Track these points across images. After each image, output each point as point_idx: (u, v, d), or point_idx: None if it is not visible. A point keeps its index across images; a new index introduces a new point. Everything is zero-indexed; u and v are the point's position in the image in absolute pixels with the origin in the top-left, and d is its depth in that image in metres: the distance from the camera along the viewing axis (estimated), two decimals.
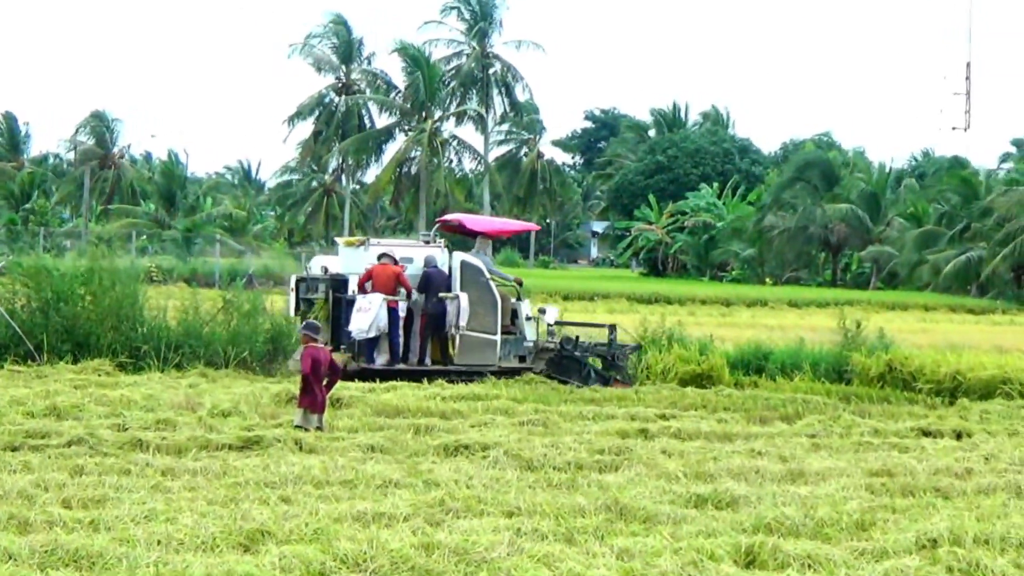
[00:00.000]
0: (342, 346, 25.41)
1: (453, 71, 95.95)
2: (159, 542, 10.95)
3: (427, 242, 27.11)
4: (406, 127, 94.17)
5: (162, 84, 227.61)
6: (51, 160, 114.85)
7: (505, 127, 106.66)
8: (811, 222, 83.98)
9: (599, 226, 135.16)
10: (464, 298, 25.42)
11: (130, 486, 13.49)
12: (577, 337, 27.21)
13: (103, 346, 25.65)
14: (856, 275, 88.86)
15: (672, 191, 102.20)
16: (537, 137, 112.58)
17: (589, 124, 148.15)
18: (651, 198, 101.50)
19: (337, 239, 31.21)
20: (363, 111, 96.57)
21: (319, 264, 27.28)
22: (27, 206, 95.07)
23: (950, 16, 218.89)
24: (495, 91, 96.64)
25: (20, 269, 27.39)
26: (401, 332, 25.59)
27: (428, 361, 25.78)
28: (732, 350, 29.50)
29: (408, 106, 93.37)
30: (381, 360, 25.38)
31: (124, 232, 77.08)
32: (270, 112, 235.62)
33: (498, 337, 25.87)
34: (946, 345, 31.44)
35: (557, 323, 28.01)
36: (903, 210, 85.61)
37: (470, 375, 25.06)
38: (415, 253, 26.34)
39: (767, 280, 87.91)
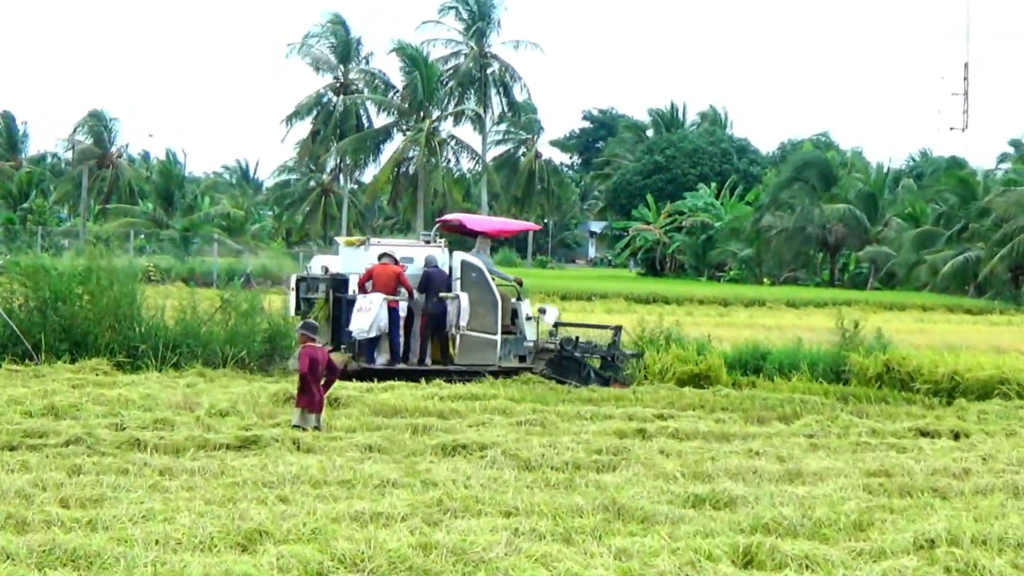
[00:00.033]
0: (342, 346, 25.41)
1: (451, 71, 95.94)
2: (157, 542, 10.94)
3: (427, 242, 27.12)
4: (404, 127, 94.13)
5: (160, 83, 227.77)
6: (49, 159, 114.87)
7: (503, 127, 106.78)
8: (809, 222, 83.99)
9: (597, 226, 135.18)
10: (464, 298, 25.41)
11: (128, 486, 13.49)
12: (577, 337, 27.21)
13: (101, 345, 25.64)
14: (854, 275, 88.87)
15: (670, 191, 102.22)
16: (535, 137, 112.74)
17: (587, 124, 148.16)
18: (649, 198, 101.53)
19: (337, 239, 31.21)
20: (361, 111, 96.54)
21: (319, 264, 27.26)
22: (25, 205, 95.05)
23: (948, 16, 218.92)
24: (493, 91, 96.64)
25: (18, 268, 27.38)
26: (402, 332, 25.59)
27: (428, 361, 25.78)
28: (730, 350, 29.52)
29: (406, 106, 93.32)
30: (381, 360, 25.38)
31: (122, 231, 77.08)
32: (268, 112, 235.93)
33: (498, 337, 25.87)
34: (944, 345, 31.45)
35: (564, 324, 28.02)
36: (901, 210, 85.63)
37: (470, 375, 25.06)
38: (415, 253, 26.34)
39: (765, 280, 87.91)
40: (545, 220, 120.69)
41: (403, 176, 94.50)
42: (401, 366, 25.37)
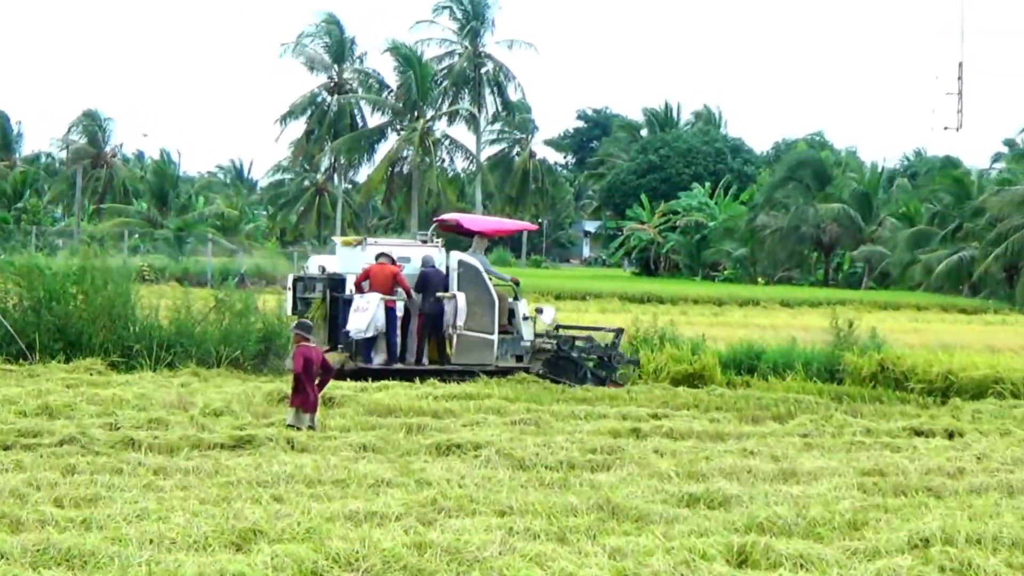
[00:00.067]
0: (339, 346, 25.40)
1: (445, 70, 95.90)
2: (151, 541, 10.94)
3: (424, 241, 27.13)
4: (398, 126, 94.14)
5: (154, 83, 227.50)
6: (43, 159, 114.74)
7: (497, 126, 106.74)
8: (803, 222, 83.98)
9: (591, 225, 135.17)
10: (461, 298, 25.39)
11: (122, 485, 13.48)
12: (574, 337, 27.21)
13: (95, 345, 25.62)
14: (848, 275, 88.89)
15: (664, 190, 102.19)
16: (529, 136, 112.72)
17: (581, 123, 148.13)
18: (643, 197, 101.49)
19: (335, 238, 31.19)
20: (355, 110, 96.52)
21: (317, 263, 27.25)
22: (19, 205, 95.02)
23: (942, 16, 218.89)
24: (487, 90, 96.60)
25: (12, 268, 27.33)
26: (399, 332, 25.57)
27: (425, 361, 25.76)
28: (724, 350, 29.54)
29: (400, 105, 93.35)
30: (379, 360, 25.37)
31: (116, 231, 77.02)
32: (262, 111, 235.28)
33: (495, 337, 25.86)
34: (938, 345, 31.52)
35: (567, 327, 27.98)
36: (895, 210, 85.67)
37: (466, 375, 25.05)
38: (413, 253, 26.34)
39: (759, 280, 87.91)
40: (539, 220, 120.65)
41: (397, 176, 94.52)
42: (398, 366, 25.36)
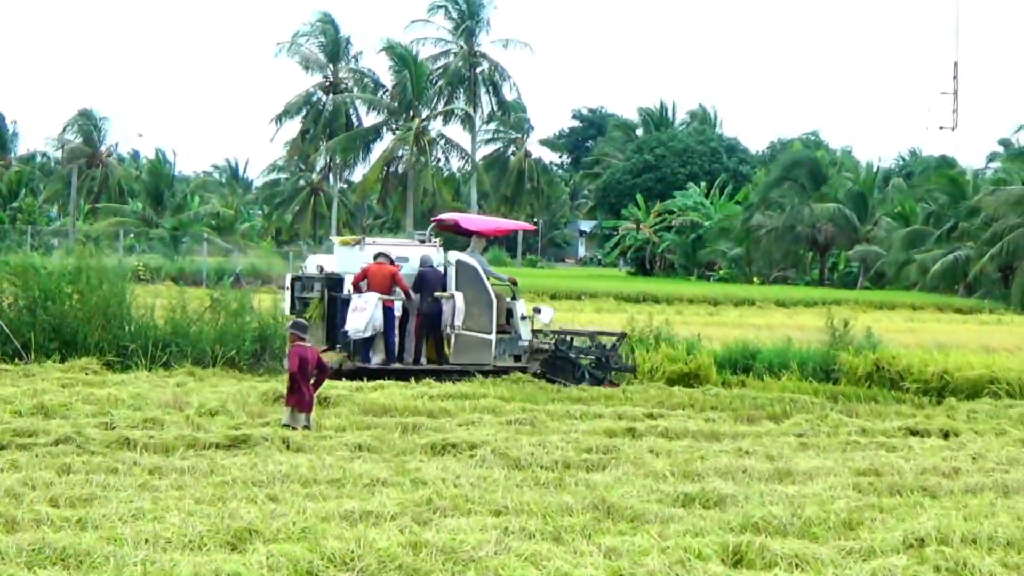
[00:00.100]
0: (337, 345, 25.39)
1: (440, 70, 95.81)
2: (146, 541, 10.93)
3: (422, 241, 27.13)
4: (393, 126, 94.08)
5: (150, 83, 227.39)
6: (38, 158, 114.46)
7: (492, 126, 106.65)
8: (799, 221, 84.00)
9: (587, 225, 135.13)
10: (460, 297, 25.38)
11: (117, 485, 13.48)
12: (571, 337, 27.20)
13: (91, 345, 25.61)
14: (844, 274, 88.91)
15: (660, 190, 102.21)
16: (525, 136, 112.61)
17: (577, 123, 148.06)
18: (639, 197, 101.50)
19: (333, 238, 31.19)
20: (350, 110, 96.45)
21: (315, 263, 27.23)
22: (14, 204, 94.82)
23: (938, 15, 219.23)
24: (482, 90, 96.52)
25: (8, 268, 27.32)
26: (397, 332, 25.56)
27: (423, 361, 25.75)
28: (720, 349, 29.55)
29: (395, 105, 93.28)
30: (377, 359, 25.37)
31: (112, 231, 76.92)
32: (257, 111, 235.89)
33: (493, 336, 25.86)
34: (933, 344, 31.53)
35: (570, 332, 27.92)
36: (891, 209, 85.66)
37: (464, 374, 25.05)
38: (411, 252, 26.34)
39: (755, 279, 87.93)
40: (535, 219, 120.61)
41: (392, 175, 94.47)
42: (396, 366, 25.36)
